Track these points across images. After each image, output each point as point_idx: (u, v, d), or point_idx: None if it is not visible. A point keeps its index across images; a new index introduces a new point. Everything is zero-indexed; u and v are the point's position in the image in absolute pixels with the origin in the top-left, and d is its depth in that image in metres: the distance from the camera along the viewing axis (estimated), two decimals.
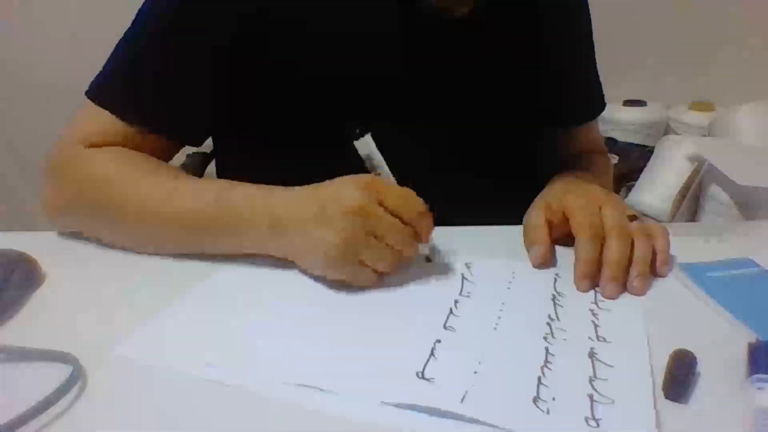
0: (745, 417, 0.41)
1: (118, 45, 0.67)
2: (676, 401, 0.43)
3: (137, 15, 0.67)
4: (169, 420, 0.41)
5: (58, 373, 0.43)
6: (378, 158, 0.58)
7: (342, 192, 0.54)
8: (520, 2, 0.73)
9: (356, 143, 0.57)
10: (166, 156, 0.69)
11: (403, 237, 0.55)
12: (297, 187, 0.57)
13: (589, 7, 0.82)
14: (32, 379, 0.44)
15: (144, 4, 0.67)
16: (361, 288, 0.55)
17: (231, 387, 0.44)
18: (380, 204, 0.54)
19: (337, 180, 0.56)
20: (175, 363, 0.46)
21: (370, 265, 0.54)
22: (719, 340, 0.50)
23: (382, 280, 0.56)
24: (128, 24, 0.67)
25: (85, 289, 0.56)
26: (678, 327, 0.52)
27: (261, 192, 0.58)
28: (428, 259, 0.60)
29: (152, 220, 0.59)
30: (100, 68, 0.67)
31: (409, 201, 0.55)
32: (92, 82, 0.67)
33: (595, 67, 0.86)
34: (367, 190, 0.54)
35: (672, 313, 0.54)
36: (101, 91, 0.66)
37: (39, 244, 0.59)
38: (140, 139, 0.66)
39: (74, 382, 0.43)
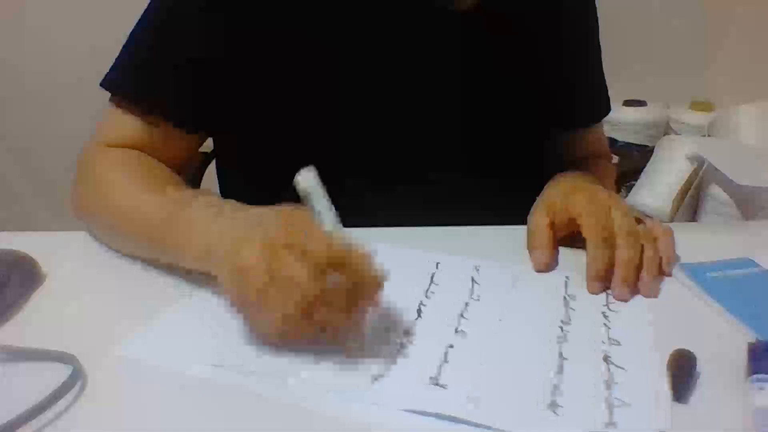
0: (745, 417, 0.41)
1: (129, 37, 0.68)
2: (677, 401, 0.43)
3: (145, 11, 0.68)
4: (169, 420, 0.41)
5: (58, 373, 0.43)
6: (318, 198, 0.48)
7: (262, 226, 0.47)
8: (528, 2, 0.73)
9: (297, 177, 0.48)
10: (183, 152, 0.70)
11: (302, 294, 0.43)
12: (244, 213, 0.53)
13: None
14: (32, 379, 0.44)
15: (150, 5, 0.68)
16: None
17: (232, 387, 0.44)
18: (286, 246, 0.45)
19: (272, 210, 0.50)
20: (175, 363, 0.46)
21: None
22: (719, 340, 0.50)
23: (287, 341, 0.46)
24: (130, 24, 0.68)
25: (85, 289, 0.56)
26: (678, 327, 0.52)
27: (206, 217, 0.54)
28: (349, 351, 0.47)
29: (118, 227, 0.61)
30: (102, 70, 0.68)
31: (327, 248, 0.44)
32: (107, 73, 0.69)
33: (602, 69, 0.85)
34: (285, 226, 0.47)
35: (672, 313, 0.54)
36: (110, 78, 0.68)
37: (39, 244, 0.59)
38: (153, 136, 0.67)
39: (74, 382, 0.43)
